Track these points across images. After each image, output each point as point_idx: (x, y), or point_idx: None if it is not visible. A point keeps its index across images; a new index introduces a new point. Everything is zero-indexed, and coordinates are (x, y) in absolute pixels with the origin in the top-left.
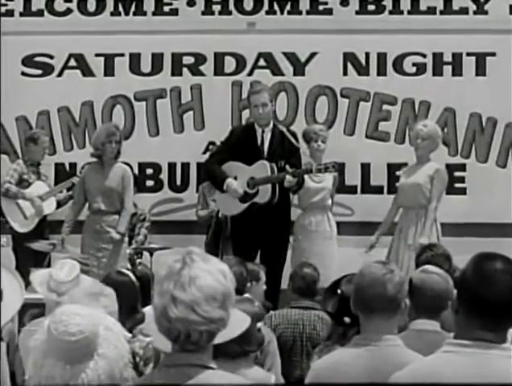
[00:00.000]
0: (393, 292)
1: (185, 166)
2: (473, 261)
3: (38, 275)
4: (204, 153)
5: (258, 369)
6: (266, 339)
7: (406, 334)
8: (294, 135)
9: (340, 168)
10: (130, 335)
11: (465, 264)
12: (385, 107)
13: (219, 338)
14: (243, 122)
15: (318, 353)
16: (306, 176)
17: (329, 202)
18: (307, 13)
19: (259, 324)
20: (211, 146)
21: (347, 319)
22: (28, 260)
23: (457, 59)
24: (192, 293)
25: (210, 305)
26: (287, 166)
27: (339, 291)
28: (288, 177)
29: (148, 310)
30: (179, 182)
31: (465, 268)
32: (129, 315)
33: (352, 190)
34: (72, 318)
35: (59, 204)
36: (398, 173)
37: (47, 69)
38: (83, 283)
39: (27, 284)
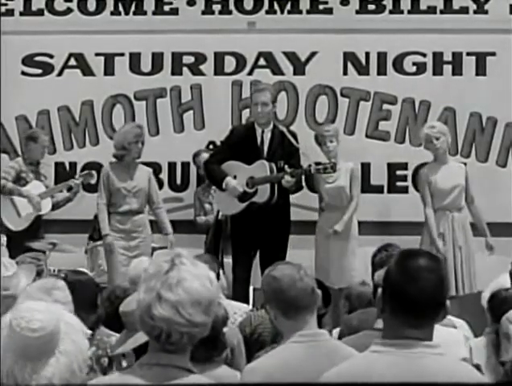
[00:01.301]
0: (311, 285)
1: (185, 166)
2: (397, 259)
3: None
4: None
5: (226, 368)
6: (236, 340)
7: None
8: (294, 135)
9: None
10: (89, 332)
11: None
12: (385, 106)
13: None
14: (243, 122)
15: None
16: (321, 177)
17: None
18: (308, 12)
19: (225, 329)
20: (211, 146)
21: None
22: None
23: (457, 58)
24: (178, 294)
25: (194, 309)
26: (286, 167)
27: None
28: (286, 177)
29: None
30: (179, 181)
31: (389, 265)
32: (89, 312)
33: None
34: (34, 314)
35: (58, 205)
36: (400, 172)
37: (47, 69)
38: (25, 277)
39: None
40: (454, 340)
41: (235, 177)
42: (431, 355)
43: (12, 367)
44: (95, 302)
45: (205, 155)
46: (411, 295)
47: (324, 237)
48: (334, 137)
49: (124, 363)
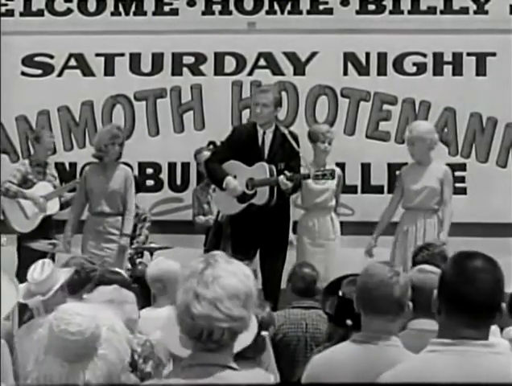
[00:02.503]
0: (399, 295)
1: (185, 166)
2: (454, 260)
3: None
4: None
5: (259, 370)
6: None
7: (404, 334)
8: (295, 138)
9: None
10: (132, 336)
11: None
12: (385, 107)
13: (237, 346)
14: (243, 122)
15: (317, 354)
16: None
17: (333, 203)
18: (308, 13)
19: (265, 333)
20: (211, 146)
21: (349, 322)
22: (32, 260)
23: (457, 59)
24: (214, 291)
25: (233, 303)
26: (286, 171)
27: (340, 293)
28: (285, 181)
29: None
30: (179, 182)
31: (446, 267)
32: None
33: (352, 190)
34: (74, 317)
35: (67, 205)
36: (397, 172)
37: (47, 69)
38: (63, 277)
39: None
40: (504, 347)
41: (235, 177)
42: (489, 353)
43: (51, 367)
44: None
45: (206, 153)
46: (467, 296)
47: (309, 237)
48: (332, 139)
49: None
